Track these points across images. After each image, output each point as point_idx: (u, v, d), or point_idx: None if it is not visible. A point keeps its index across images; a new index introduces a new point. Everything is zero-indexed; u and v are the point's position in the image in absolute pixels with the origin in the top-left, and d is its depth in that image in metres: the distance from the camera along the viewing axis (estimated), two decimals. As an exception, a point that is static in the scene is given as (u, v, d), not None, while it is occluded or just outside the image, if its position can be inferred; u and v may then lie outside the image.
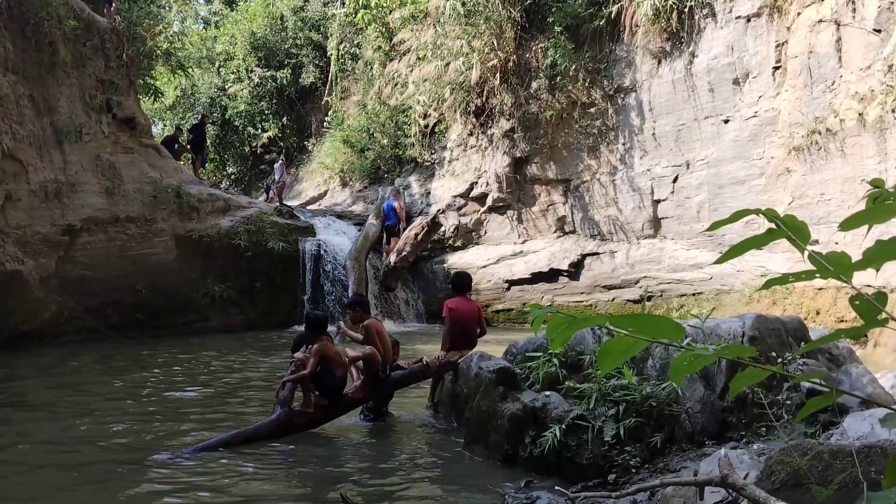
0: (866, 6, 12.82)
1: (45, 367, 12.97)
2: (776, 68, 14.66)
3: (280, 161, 25.16)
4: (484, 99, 19.38)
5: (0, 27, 14.29)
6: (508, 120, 19.02)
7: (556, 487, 5.55)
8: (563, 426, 6.22)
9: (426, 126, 21.46)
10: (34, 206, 14.88)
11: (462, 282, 9.21)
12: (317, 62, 29.41)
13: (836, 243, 12.04)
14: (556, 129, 18.35)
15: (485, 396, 7.06)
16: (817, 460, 3.88)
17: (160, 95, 24.39)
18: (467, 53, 18.93)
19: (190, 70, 27.61)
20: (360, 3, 24.11)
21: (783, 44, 14.49)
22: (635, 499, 4.88)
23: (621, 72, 17.35)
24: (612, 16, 17.00)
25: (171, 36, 21.35)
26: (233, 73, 30.50)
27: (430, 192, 21.39)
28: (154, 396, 10.17)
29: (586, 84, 17.66)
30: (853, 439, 4.44)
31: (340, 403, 8.29)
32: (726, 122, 15.54)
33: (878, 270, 1.33)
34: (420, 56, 20.88)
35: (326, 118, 27.43)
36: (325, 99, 28.66)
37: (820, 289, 13.20)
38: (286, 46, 29.83)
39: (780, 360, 5.89)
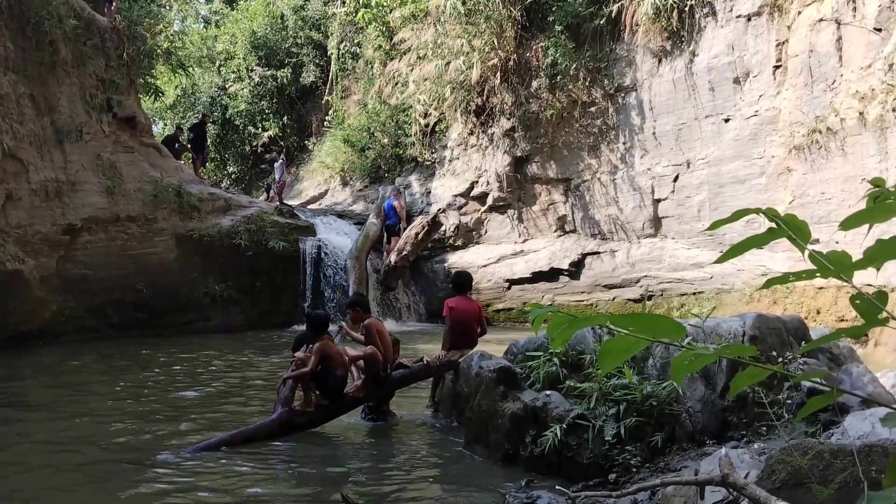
0: (867, 5, 12.81)
1: (45, 366, 12.98)
2: (777, 67, 14.66)
3: (280, 160, 25.16)
4: (484, 98, 19.37)
5: (1, 26, 14.29)
6: (509, 119, 19.01)
7: (557, 487, 5.55)
8: (564, 425, 6.22)
9: (427, 125, 21.46)
10: (35, 205, 14.89)
11: (462, 281, 9.21)
12: (317, 61, 29.41)
13: (837, 242, 12.03)
14: (556, 129, 18.34)
15: (485, 396, 7.07)
16: (818, 459, 3.88)
17: (161, 94, 24.39)
18: (468, 52, 18.93)
19: (190, 69, 27.62)
20: (361, 2, 24.11)
21: (784, 43, 14.49)
22: (636, 498, 4.88)
23: (622, 71, 17.34)
24: (613, 15, 16.99)
25: (171, 35, 21.37)
26: (233, 72, 30.50)
27: (430, 192, 21.39)
28: (154, 396, 10.17)
29: (587, 83, 17.66)
30: (854, 438, 4.44)
31: (341, 403, 8.29)
32: (727, 121, 15.53)
33: (878, 269, 1.33)
34: (420, 55, 20.88)
35: (327, 117, 27.43)
36: (325, 98, 28.66)
37: (820, 288, 13.20)
38: (287, 45, 29.82)
39: (780, 359, 5.89)
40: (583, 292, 18.32)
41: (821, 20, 13.53)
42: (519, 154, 19.15)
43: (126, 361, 13.06)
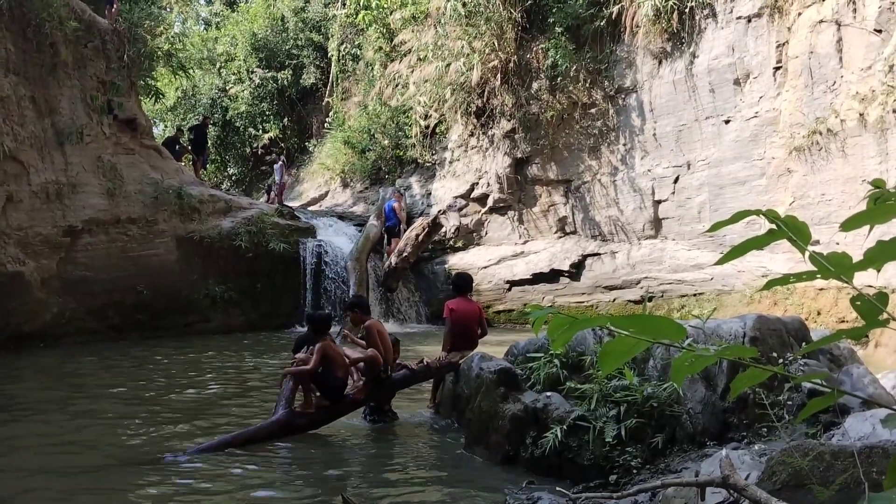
0: (867, 6, 12.82)
1: (46, 368, 12.98)
2: (777, 69, 14.66)
3: (280, 162, 25.16)
4: (485, 100, 19.38)
5: (2, 28, 14.29)
6: (509, 120, 19.02)
7: (558, 488, 5.55)
8: (565, 427, 6.22)
9: (427, 127, 21.47)
10: (35, 207, 14.89)
11: (463, 282, 9.21)
12: (318, 63, 29.43)
13: (838, 244, 12.03)
14: (556, 130, 18.35)
15: (486, 397, 7.07)
16: (819, 461, 3.88)
17: (161, 96, 24.40)
18: (468, 54, 18.94)
19: (191, 71, 27.66)
20: (361, 3, 24.13)
21: (784, 44, 14.49)
22: (636, 499, 4.88)
23: (622, 72, 17.35)
24: (613, 16, 17.00)
25: (172, 37, 21.38)
26: (234, 74, 30.52)
27: (430, 193, 21.39)
28: (155, 398, 10.16)
29: (587, 85, 17.66)
30: (854, 440, 4.43)
31: (341, 404, 8.30)
32: (727, 122, 15.53)
33: (879, 271, 1.33)
34: (421, 57, 20.90)
35: (327, 119, 27.44)
36: (325, 100, 28.68)
37: (821, 289, 13.20)
38: (287, 47, 29.85)
39: (781, 360, 5.89)
40: (583, 294, 18.33)
41: (821, 21, 13.54)
42: (519, 155, 19.16)
43: (126, 363, 13.05)
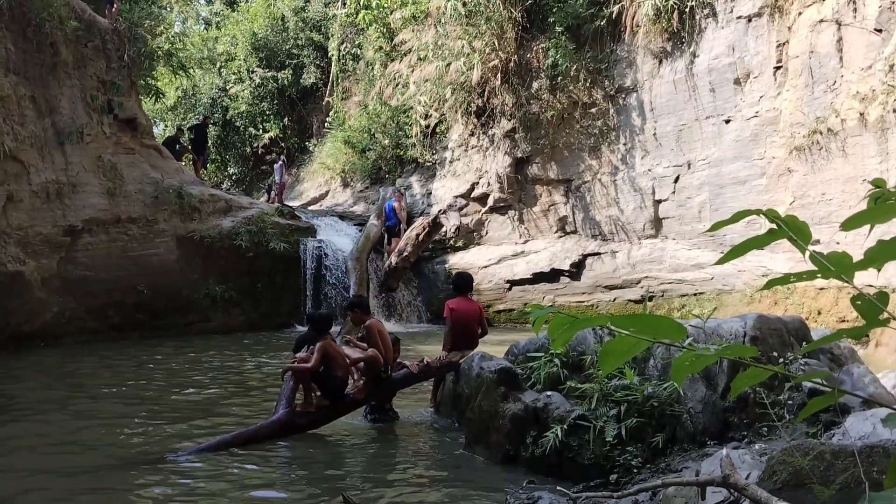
0: (867, 6, 12.81)
1: (46, 367, 12.98)
2: (777, 68, 14.66)
3: (280, 162, 25.16)
4: (485, 99, 19.38)
5: (2, 28, 14.30)
6: (509, 120, 19.02)
7: (558, 487, 5.55)
8: (565, 426, 6.22)
9: (427, 126, 21.47)
10: (36, 206, 14.90)
11: (463, 282, 9.21)
12: (318, 63, 29.43)
13: (838, 243, 12.04)
14: (557, 130, 18.35)
15: (486, 397, 7.07)
16: (819, 460, 3.88)
17: (161, 96, 24.40)
18: (468, 54, 18.94)
19: (191, 71, 27.66)
20: (361, 3, 24.13)
21: (784, 44, 14.49)
22: (637, 499, 4.88)
23: (622, 72, 17.35)
24: (613, 16, 17.00)
25: (172, 37, 21.37)
26: (234, 73, 30.53)
27: (431, 193, 21.40)
28: (155, 397, 10.17)
29: (587, 84, 17.66)
30: (855, 439, 4.43)
31: (342, 404, 8.30)
32: (727, 122, 15.53)
33: (879, 270, 1.33)
34: (421, 56, 20.90)
35: (327, 119, 27.44)
36: (326, 99, 28.68)
37: (821, 289, 13.20)
38: (287, 47, 29.85)
39: (781, 360, 5.89)
40: (583, 293, 18.33)
41: (821, 21, 13.53)
42: (519, 155, 19.16)
43: (127, 363, 13.06)
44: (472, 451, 7.20)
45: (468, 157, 20.43)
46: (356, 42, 26.78)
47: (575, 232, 18.79)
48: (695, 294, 16.30)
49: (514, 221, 19.69)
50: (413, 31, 21.56)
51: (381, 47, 23.98)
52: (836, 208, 13.19)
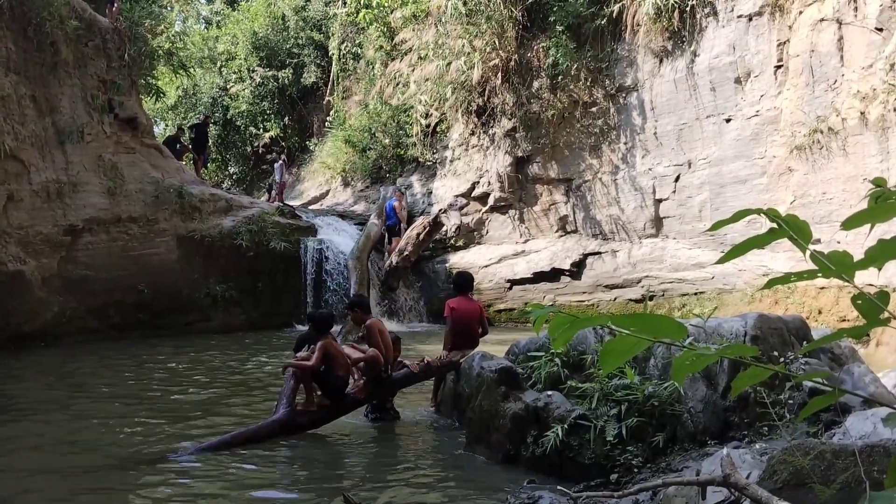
0: (868, 5, 12.81)
1: (46, 367, 12.98)
2: (778, 67, 14.65)
3: (280, 161, 25.16)
4: (485, 98, 19.38)
5: (2, 27, 14.30)
6: (510, 119, 19.02)
7: (559, 487, 5.55)
8: (566, 426, 6.22)
9: (428, 126, 21.47)
10: (36, 206, 14.90)
11: (464, 281, 9.21)
12: (318, 62, 29.43)
13: (839, 242, 12.04)
14: (557, 129, 18.35)
15: (487, 396, 7.07)
16: (820, 460, 3.88)
17: (162, 95, 24.39)
18: (469, 53, 18.94)
19: (192, 70, 27.65)
20: (362, 2, 24.13)
21: (785, 42, 14.48)
22: (637, 498, 4.88)
23: (623, 71, 17.34)
24: (614, 15, 16.99)
25: (172, 36, 21.37)
26: (234, 72, 30.52)
27: (431, 192, 21.40)
28: (155, 397, 10.18)
29: (588, 83, 17.66)
30: (855, 439, 4.43)
31: (342, 403, 8.30)
32: (728, 121, 15.53)
33: (880, 269, 1.33)
34: (421, 55, 20.90)
35: (328, 118, 27.43)
36: (326, 99, 28.67)
37: (822, 288, 13.19)
38: (288, 46, 29.84)
39: (782, 359, 5.88)
40: (584, 292, 18.32)
41: (822, 20, 13.53)
42: (520, 154, 19.16)
43: (127, 362, 13.06)
44: (472, 450, 7.20)
45: (469, 156, 20.42)
46: (357, 41, 26.78)
47: (575, 231, 18.78)
48: (695, 293, 16.29)
49: (514, 221, 19.69)
50: (413, 30, 21.56)
51: (381, 46, 23.98)
52: (836, 207, 13.19)
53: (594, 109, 17.81)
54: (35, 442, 7.83)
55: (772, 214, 1.35)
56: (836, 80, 13.38)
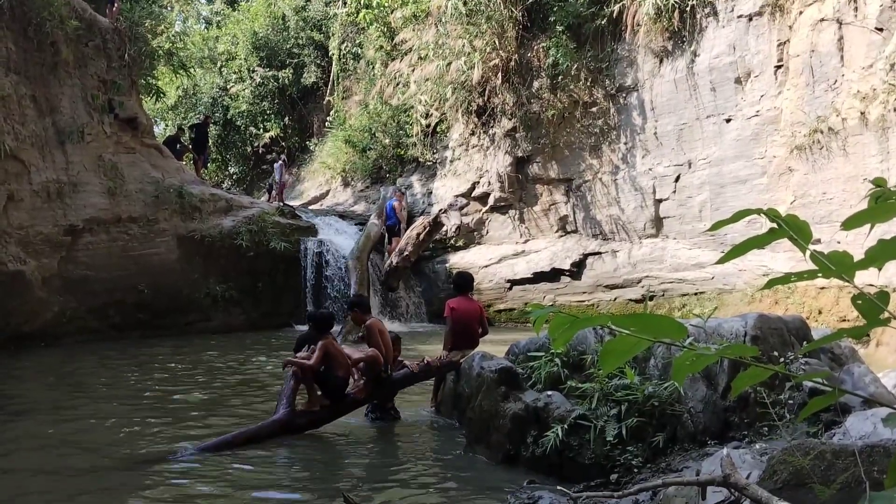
0: (868, 5, 12.81)
1: (46, 367, 12.98)
2: (778, 67, 14.65)
3: (280, 161, 25.16)
4: (485, 98, 19.38)
5: (2, 27, 14.30)
6: (510, 119, 19.02)
7: (559, 487, 5.55)
8: (565, 426, 6.21)
9: (428, 126, 21.47)
10: (36, 206, 14.90)
11: (464, 281, 9.21)
12: (318, 62, 29.43)
13: (839, 242, 12.04)
14: (557, 129, 18.35)
15: (487, 396, 7.06)
16: (820, 460, 3.88)
17: (162, 95, 24.40)
18: (469, 53, 18.94)
19: (192, 70, 27.66)
20: (362, 2, 24.13)
21: (785, 43, 14.48)
22: (637, 499, 4.88)
23: (623, 71, 17.34)
24: (614, 15, 16.99)
25: (172, 36, 21.38)
26: (235, 72, 30.53)
27: (431, 192, 21.40)
28: (155, 397, 10.17)
29: (588, 83, 17.66)
30: (856, 439, 4.43)
31: (342, 403, 8.30)
32: (728, 121, 15.53)
33: (880, 269, 1.33)
34: (422, 55, 20.90)
35: (328, 118, 27.44)
36: (326, 99, 28.68)
37: (822, 288, 13.19)
38: (288, 46, 29.85)
39: (782, 359, 5.88)
40: (584, 292, 18.32)
41: (822, 20, 13.53)
42: (520, 154, 19.16)
43: (127, 362, 13.06)
44: (472, 450, 7.20)
45: (469, 156, 20.42)
46: (357, 41, 26.78)
47: (575, 231, 18.78)
48: (695, 293, 16.29)
49: (514, 221, 19.69)
50: (414, 30, 21.56)
51: (381, 46, 23.98)
52: (836, 207, 13.19)
53: (594, 109, 17.81)
54: (35, 442, 7.83)
55: (772, 214, 1.35)
56: (836, 80, 13.38)
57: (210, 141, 26.20)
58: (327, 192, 25.73)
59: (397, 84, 22.79)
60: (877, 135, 12.47)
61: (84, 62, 16.02)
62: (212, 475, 6.57)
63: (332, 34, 28.14)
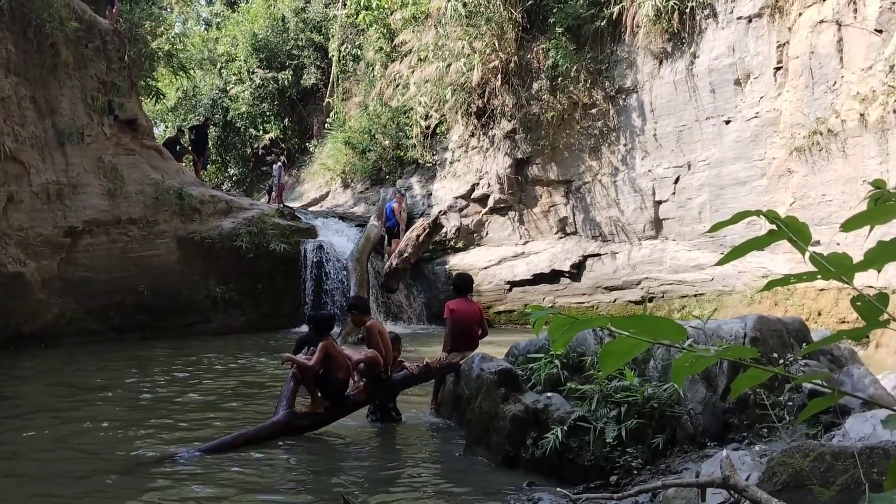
0: (867, 6, 12.81)
1: (46, 369, 12.97)
2: (777, 69, 14.66)
3: (279, 163, 25.16)
4: (485, 100, 19.39)
5: (2, 29, 14.30)
6: (510, 121, 19.02)
7: (558, 489, 5.55)
8: (565, 427, 6.21)
9: (427, 127, 21.48)
10: (36, 207, 14.90)
11: (463, 283, 9.21)
12: (318, 63, 29.44)
13: (838, 244, 12.04)
14: (557, 130, 18.35)
15: (486, 398, 7.06)
16: (819, 461, 3.88)
17: (162, 97, 24.42)
18: (468, 54, 18.94)
19: (191, 71, 27.68)
20: (362, 4, 24.14)
21: (784, 44, 14.49)
22: (637, 500, 4.88)
23: (622, 72, 17.35)
24: (614, 16, 17.00)
25: (172, 37, 21.38)
26: (234, 74, 30.54)
27: (431, 194, 21.40)
28: (155, 399, 10.16)
29: (587, 85, 17.66)
30: (855, 440, 4.43)
31: (342, 405, 8.30)
32: (727, 122, 15.53)
33: (879, 271, 1.33)
34: (421, 57, 20.90)
35: (328, 119, 27.44)
36: (326, 100, 28.68)
37: (821, 290, 13.19)
38: (288, 48, 29.86)
39: (781, 361, 5.89)
40: (584, 294, 18.33)
41: (821, 22, 13.53)
42: (520, 156, 19.16)
43: (127, 364, 13.04)
44: (472, 452, 7.20)
45: (468, 157, 20.43)
46: (356, 43, 26.79)
47: (575, 233, 18.79)
48: (695, 295, 16.30)
49: (514, 222, 19.69)
50: (413, 31, 21.57)
51: (381, 48, 24.00)
52: (836, 209, 13.19)
53: (594, 111, 17.82)
54: (34, 444, 7.82)
55: (771, 216, 1.35)
56: (835, 82, 13.39)
57: (210, 142, 26.20)
58: (327, 194, 25.74)
59: (397, 86, 22.80)
60: (876, 136, 12.48)
61: (84, 64, 16.03)
62: (212, 477, 6.56)
63: (332, 36, 28.16)
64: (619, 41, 17.37)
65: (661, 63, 16.68)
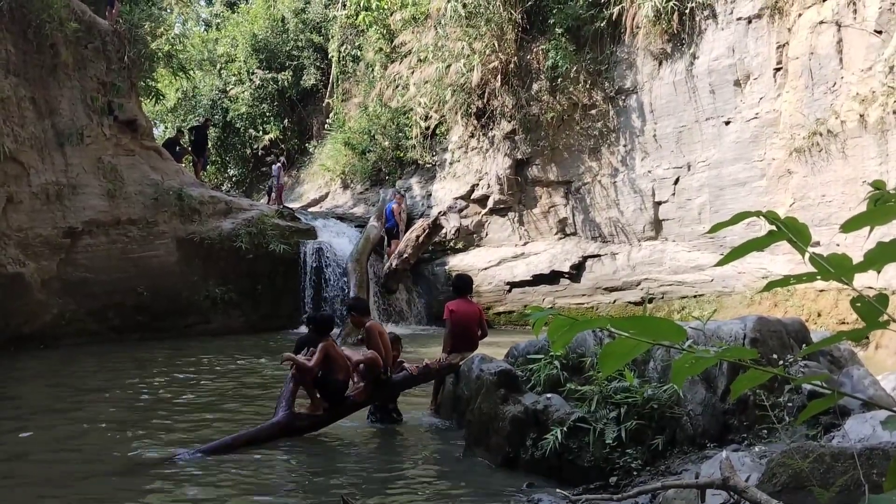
0: (867, 7, 12.82)
1: (45, 369, 12.97)
2: (777, 70, 14.66)
3: (278, 163, 25.15)
4: (485, 101, 19.39)
5: (2, 29, 14.30)
6: (509, 122, 19.02)
7: (558, 490, 5.55)
8: (565, 428, 6.21)
9: (427, 128, 21.48)
10: (35, 208, 14.89)
11: (463, 284, 9.21)
12: (318, 64, 29.44)
13: (838, 245, 12.03)
14: (557, 131, 18.35)
15: (486, 399, 7.06)
16: (819, 463, 3.88)
17: (162, 98, 24.41)
18: (468, 55, 18.95)
19: (191, 72, 27.66)
20: (362, 4, 24.14)
21: (784, 45, 14.50)
22: (637, 501, 4.88)
23: (622, 73, 17.35)
24: (613, 17, 17.01)
25: (172, 38, 21.38)
26: (234, 75, 30.53)
27: (431, 194, 21.40)
28: (154, 400, 10.16)
29: (587, 86, 17.66)
30: (855, 441, 4.43)
31: (342, 406, 8.29)
32: (727, 123, 15.53)
33: (879, 272, 1.33)
34: (421, 58, 20.91)
35: (327, 120, 27.44)
36: (326, 101, 28.68)
37: (821, 291, 13.19)
38: (287, 48, 29.86)
39: (781, 362, 5.89)
40: (583, 295, 18.32)
41: (821, 22, 13.54)
42: (519, 157, 19.16)
43: (126, 365, 13.04)
44: (471, 453, 7.20)
45: (468, 158, 20.43)
46: (356, 43, 26.79)
47: (575, 234, 18.79)
48: (695, 296, 16.30)
49: (513, 223, 19.69)
50: (413, 32, 21.57)
51: (381, 49, 23.99)
52: (835, 210, 13.20)
53: (593, 112, 17.82)
54: (33, 445, 7.82)
55: (771, 217, 1.35)
56: (835, 83, 13.39)
57: (209, 143, 26.18)
58: (326, 195, 25.72)
59: (397, 86, 22.79)
60: (876, 137, 12.48)
61: (83, 64, 16.02)
62: (211, 478, 6.56)
63: (332, 36, 28.15)
64: (618, 42, 17.38)
65: (660, 64, 16.68)
